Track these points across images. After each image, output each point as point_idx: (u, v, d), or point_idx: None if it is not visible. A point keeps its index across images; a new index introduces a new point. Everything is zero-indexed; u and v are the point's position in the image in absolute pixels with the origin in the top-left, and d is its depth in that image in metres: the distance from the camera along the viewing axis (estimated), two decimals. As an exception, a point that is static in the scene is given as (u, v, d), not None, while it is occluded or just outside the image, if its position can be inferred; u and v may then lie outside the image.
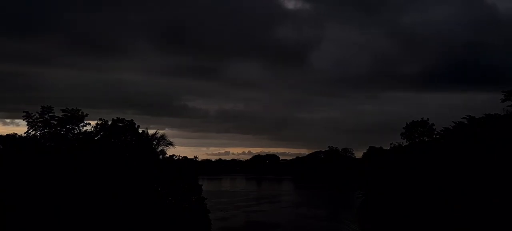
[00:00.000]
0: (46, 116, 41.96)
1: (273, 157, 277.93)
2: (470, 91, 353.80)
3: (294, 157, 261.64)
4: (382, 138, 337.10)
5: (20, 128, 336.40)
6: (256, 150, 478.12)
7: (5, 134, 44.87)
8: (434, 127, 72.53)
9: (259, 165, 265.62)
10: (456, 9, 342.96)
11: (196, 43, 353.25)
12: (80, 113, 43.96)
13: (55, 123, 42.24)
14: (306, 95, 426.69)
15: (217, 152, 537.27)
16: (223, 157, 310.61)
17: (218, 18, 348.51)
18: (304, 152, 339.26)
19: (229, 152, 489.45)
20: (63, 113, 42.88)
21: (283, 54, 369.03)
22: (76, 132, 43.79)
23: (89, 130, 45.39)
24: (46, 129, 41.94)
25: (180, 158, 61.53)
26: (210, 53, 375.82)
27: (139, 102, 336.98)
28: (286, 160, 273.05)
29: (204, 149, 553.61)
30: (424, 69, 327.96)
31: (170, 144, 51.50)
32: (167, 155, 51.77)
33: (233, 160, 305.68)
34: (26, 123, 41.88)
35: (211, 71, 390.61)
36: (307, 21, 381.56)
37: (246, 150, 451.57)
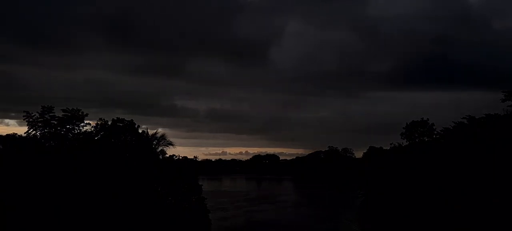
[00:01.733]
0: (46, 116, 41.95)
1: (273, 157, 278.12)
2: (451, 91, 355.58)
3: (293, 157, 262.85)
4: (375, 138, 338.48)
5: (10, 127, 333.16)
6: (253, 150, 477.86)
7: (5, 134, 44.99)
8: (434, 127, 72.51)
9: (259, 165, 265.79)
10: (428, 3, 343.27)
11: (155, 40, 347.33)
12: (80, 113, 43.97)
13: (55, 122, 42.22)
14: (288, 95, 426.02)
15: (214, 152, 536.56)
16: (221, 157, 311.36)
17: (176, 14, 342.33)
18: (301, 152, 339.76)
19: (227, 152, 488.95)
20: (63, 113, 42.87)
21: (248, 52, 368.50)
22: (76, 132, 43.78)
23: (89, 130, 45.41)
24: (46, 129, 41.92)
25: (180, 158, 61.59)
26: (171, 51, 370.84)
27: (123, 102, 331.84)
28: (286, 160, 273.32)
29: (203, 149, 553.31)
30: (403, 67, 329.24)
31: (170, 144, 51.65)
32: (167, 155, 51.85)
33: (233, 160, 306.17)
34: (26, 123, 41.87)
35: (178, 70, 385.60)
36: (270, 16, 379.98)
37: (243, 150, 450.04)
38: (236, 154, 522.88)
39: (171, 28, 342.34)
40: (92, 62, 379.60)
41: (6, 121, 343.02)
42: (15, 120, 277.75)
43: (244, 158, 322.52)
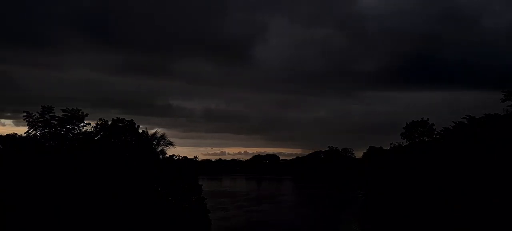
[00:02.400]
0: (46, 116, 41.95)
1: (273, 157, 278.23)
2: (446, 90, 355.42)
3: (292, 157, 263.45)
4: (369, 138, 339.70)
5: (6, 128, 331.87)
6: (252, 150, 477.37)
7: (5, 134, 44.98)
8: (434, 127, 72.49)
9: (259, 165, 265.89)
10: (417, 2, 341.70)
11: (145, 40, 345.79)
12: (80, 113, 43.97)
13: (55, 122, 42.22)
14: (287, 95, 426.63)
15: (213, 152, 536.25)
16: (221, 157, 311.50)
17: (161, 13, 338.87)
18: (299, 152, 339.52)
19: (226, 151, 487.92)
20: (63, 113, 42.88)
21: (240, 52, 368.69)
22: (76, 131, 43.77)
23: (89, 130, 45.39)
24: (46, 129, 41.91)
25: (180, 158, 61.58)
26: (164, 51, 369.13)
27: (116, 101, 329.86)
28: (286, 160, 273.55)
29: (202, 149, 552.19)
30: (396, 67, 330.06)
31: (170, 143, 51.56)
32: (167, 155, 51.81)
33: (233, 160, 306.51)
34: (26, 123, 41.84)
35: (170, 70, 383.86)
36: (260, 15, 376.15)
37: (242, 150, 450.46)
38: (235, 154, 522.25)
39: (162, 28, 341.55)
40: (82, 62, 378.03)
41: (2, 120, 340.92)
42: (12, 120, 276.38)
43: (243, 158, 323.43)
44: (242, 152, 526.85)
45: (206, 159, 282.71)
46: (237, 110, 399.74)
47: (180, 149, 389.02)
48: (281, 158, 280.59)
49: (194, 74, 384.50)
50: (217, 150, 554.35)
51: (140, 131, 48.92)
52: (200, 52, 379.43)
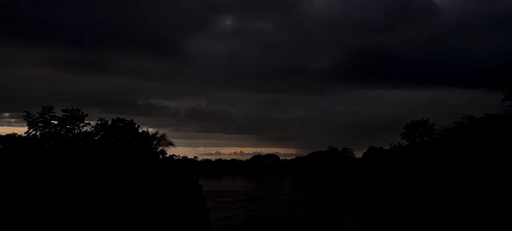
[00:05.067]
0: (46, 116, 41.94)
1: (272, 157, 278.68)
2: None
3: (291, 157, 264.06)
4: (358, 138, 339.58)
5: None
6: (247, 150, 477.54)
7: (5, 134, 44.98)
8: (434, 127, 72.46)
9: (259, 165, 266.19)
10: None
11: (75, 33, 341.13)
12: (80, 113, 43.96)
13: (56, 123, 42.21)
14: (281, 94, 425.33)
15: (208, 152, 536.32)
16: (216, 157, 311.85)
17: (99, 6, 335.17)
18: (295, 151, 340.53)
19: (221, 151, 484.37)
20: (63, 113, 42.88)
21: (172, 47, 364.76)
22: (76, 132, 43.74)
23: (89, 130, 45.37)
24: (46, 129, 41.90)
25: (180, 157, 61.62)
26: (90, 46, 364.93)
27: (98, 100, 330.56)
28: (286, 160, 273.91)
29: (202, 149, 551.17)
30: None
31: (171, 144, 51.50)
32: (167, 155, 51.79)
33: (233, 160, 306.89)
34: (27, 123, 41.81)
35: (102, 65, 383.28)
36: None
37: (238, 149, 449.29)
38: (231, 154, 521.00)
39: (101, 23, 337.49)
40: (22, 58, 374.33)
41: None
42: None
43: (239, 157, 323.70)
44: (238, 152, 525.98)
45: (206, 159, 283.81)
46: (223, 109, 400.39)
47: (181, 149, 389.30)
48: (280, 158, 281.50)
49: (138, 71, 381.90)
50: (213, 150, 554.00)
51: (140, 130, 48.98)
52: (141, 49, 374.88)
